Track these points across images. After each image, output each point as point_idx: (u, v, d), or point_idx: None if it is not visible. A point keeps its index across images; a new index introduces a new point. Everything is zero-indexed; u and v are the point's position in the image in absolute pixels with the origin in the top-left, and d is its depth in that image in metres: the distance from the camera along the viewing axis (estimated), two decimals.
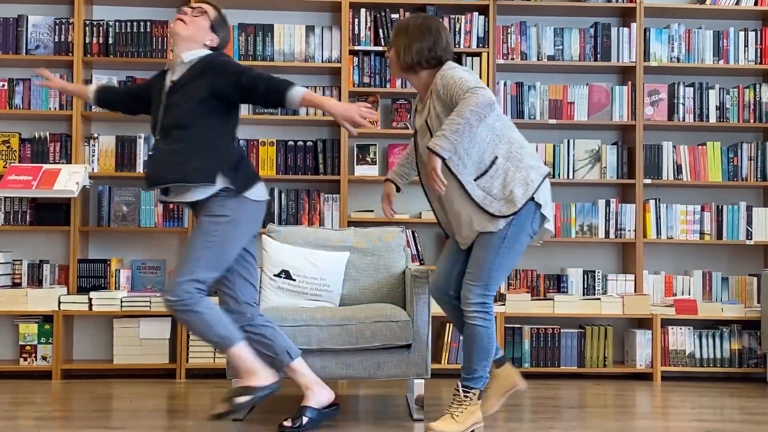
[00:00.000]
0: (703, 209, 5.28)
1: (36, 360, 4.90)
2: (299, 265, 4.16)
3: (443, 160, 3.27)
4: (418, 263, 5.09)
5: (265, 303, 4.08)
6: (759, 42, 5.33)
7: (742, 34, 5.33)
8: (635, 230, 5.23)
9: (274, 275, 4.14)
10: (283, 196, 5.15)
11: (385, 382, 3.87)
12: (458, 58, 5.23)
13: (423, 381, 3.81)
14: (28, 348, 4.90)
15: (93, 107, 5.11)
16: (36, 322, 4.91)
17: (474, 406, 3.47)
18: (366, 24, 5.19)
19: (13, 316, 5.02)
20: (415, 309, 3.82)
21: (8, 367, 4.94)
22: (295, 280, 4.14)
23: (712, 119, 5.31)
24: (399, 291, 4.18)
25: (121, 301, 4.91)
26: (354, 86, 5.18)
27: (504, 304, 5.04)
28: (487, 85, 5.14)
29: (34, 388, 4.62)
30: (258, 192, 3.50)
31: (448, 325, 5.03)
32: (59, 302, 4.90)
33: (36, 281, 5.09)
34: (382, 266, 4.29)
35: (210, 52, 3.54)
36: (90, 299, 4.90)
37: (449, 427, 3.40)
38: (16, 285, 5.07)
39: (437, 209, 3.63)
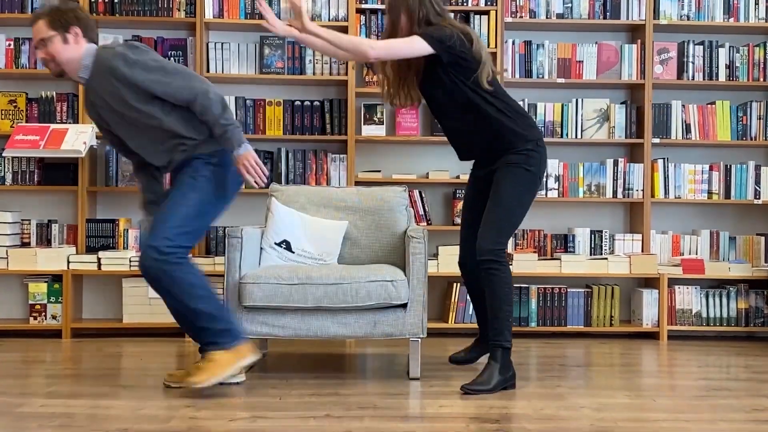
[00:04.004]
0: (711, 169, 5.27)
1: (46, 319, 4.93)
2: (300, 235, 4.17)
3: None
4: (425, 224, 5.10)
5: (265, 261, 4.12)
6: None
7: None
8: (643, 190, 5.22)
9: (276, 243, 4.15)
10: (290, 156, 5.15)
11: (391, 341, 3.90)
12: (467, 17, 5.19)
13: (419, 340, 3.82)
14: (37, 307, 4.94)
15: None
16: (45, 282, 4.94)
17: None
18: None
19: (22, 276, 5.05)
20: (411, 269, 3.82)
21: (18, 326, 4.98)
22: (294, 252, 4.16)
23: (722, 78, 5.27)
24: (400, 251, 4.18)
25: (130, 261, 4.93)
26: None
27: (511, 264, 5.05)
28: (496, 44, 5.13)
29: (44, 346, 4.66)
30: None
31: (455, 284, 5.04)
32: (68, 262, 4.93)
33: (45, 241, 5.11)
34: (383, 226, 4.29)
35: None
36: (99, 259, 4.93)
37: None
38: (25, 245, 5.09)
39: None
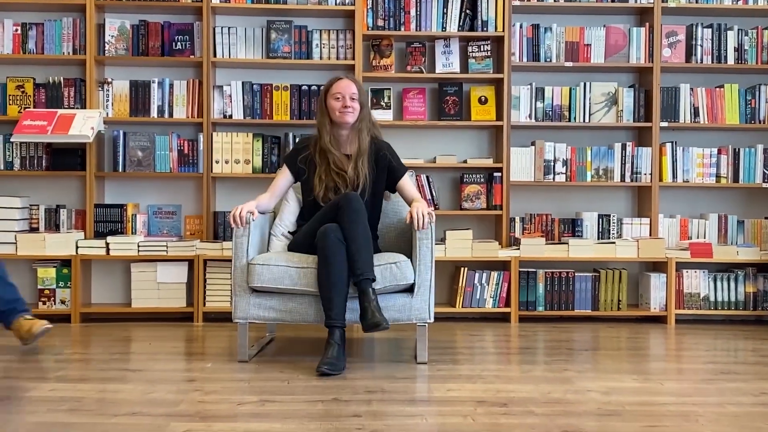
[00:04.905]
0: (719, 152, 5.25)
1: (54, 304, 4.96)
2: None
3: None
4: (433, 208, 5.09)
5: (273, 248, 4.11)
6: None
7: None
8: (651, 174, 5.20)
9: (289, 232, 4.14)
10: (297, 141, 5.14)
11: (399, 325, 3.90)
12: (474, 0, 5.17)
13: (426, 325, 3.83)
14: (46, 292, 4.96)
15: (106, 52, 5.09)
16: (54, 267, 4.96)
17: None
18: None
19: (31, 261, 5.07)
20: (418, 253, 3.82)
21: None
22: None
23: (730, 61, 5.24)
24: (407, 235, 4.18)
25: (138, 246, 4.95)
26: (368, 29, 5.14)
27: (519, 248, 5.05)
28: (503, 28, 5.11)
29: (53, 331, 4.66)
30: None
31: (462, 269, 5.05)
32: (77, 247, 4.94)
33: (53, 226, 5.12)
34: (389, 210, 4.29)
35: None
36: (107, 244, 4.94)
37: None
38: (33, 230, 5.11)
39: None
